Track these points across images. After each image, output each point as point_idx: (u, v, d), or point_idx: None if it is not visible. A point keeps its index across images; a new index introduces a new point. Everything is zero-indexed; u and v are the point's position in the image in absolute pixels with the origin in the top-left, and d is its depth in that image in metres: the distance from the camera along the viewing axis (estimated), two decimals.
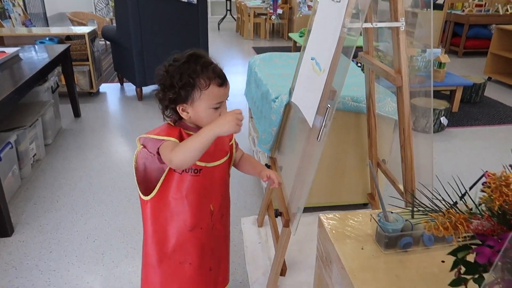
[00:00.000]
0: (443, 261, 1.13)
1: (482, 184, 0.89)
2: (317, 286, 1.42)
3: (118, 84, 4.38)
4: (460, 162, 2.82)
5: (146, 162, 1.16)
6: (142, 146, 1.15)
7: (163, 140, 1.07)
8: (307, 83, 1.50)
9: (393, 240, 1.15)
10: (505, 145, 3.15)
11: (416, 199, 0.99)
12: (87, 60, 3.81)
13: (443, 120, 3.30)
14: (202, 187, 1.16)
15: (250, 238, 2.00)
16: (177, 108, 1.09)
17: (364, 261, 1.12)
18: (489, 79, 4.74)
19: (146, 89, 4.04)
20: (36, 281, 1.72)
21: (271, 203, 1.98)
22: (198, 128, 1.11)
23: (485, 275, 0.77)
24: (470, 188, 1.05)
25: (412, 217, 1.03)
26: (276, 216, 1.69)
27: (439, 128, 3.33)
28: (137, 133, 3.22)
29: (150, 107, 3.75)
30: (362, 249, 1.17)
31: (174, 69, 1.06)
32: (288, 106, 1.80)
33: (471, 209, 0.85)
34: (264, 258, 1.87)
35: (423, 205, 0.94)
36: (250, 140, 2.75)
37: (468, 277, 0.78)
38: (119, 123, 3.46)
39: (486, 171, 0.89)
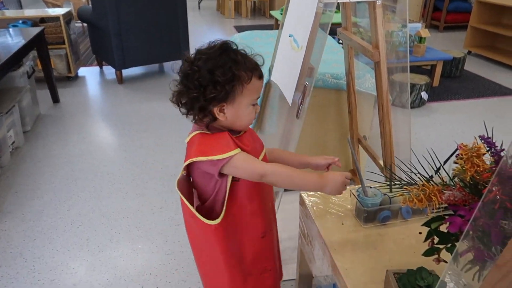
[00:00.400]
0: (420, 233, 1.16)
1: (456, 156, 0.91)
2: (301, 262, 1.45)
3: (97, 68, 4.28)
4: (440, 136, 2.87)
5: (203, 185, 1.02)
6: (183, 171, 1.01)
7: (226, 158, 0.91)
8: (286, 60, 1.49)
9: (372, 214, 1.17)
10: (484, 118, 3.21)
11: (393, 173, 1.00)
12: (63, 43, 3.69)
13: (424, 95, 3.33)
14: (260, 187, 1.04)
15: None
16: (214, 109, 0.92)
17: (344, 236, 1.14)
18: (469, 53, 4.78)
19: (126, 72, 3.96)
20: (20, 269, 1.71)
21: None
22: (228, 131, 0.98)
23: (457, 244, 0.79)
24: (445, 161, 1.07)
25: (391, 191, 1.05)
26: None
27: (420, 103, 3.37)
28: (119, 117, 3.21)
29: (131, 91, 3.69)
30: (342, 224, 1.19)
31: (209, 63, 0.90)
32: (268, 84, 1.79)
33: (445, 182, 0.87)
34: None
35: (400, 179, 0.95)
36: None
37: (441, 246, 0.80)
38: (100, 107, 3.40)
39: (460, 144, 0.91)
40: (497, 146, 0.73)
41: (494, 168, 0.75)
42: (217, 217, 0.98)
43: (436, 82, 3.80)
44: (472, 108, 3.40)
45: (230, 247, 1.03)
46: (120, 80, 3.84)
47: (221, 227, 0.99)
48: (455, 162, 0.86)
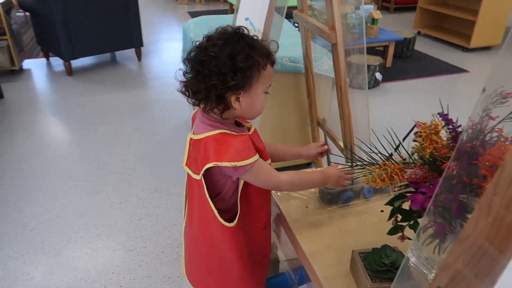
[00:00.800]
0: (382, 211, 1.18)
1: (414, 134, 0.92)
2: None
3: (44, 59, 4.03)
4: (395, 115, 2.96)
5: (215, 182, 0.97)
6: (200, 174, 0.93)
7: (249, 164, 0.88)
8: None
9: (335, 196, 1.18)
10: (435, 95, 3.34)
11: (355, 154, 1.01)
12: (4, 34, 3.43)
13: (378, 75, 3.41)
14: None
15: None
16: (232, 97, 0.88)
17: (309, 219, 1.14)
18: (419, 33, 4.93)
19: (76, 63, 3.76)
20: None
21: None
22: (236, 124, 0.98)
23: (419, 220, 0.81)
24: (404, 139, 1.09)
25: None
26: None
27: (374, 83, 3.44)
28: (70, 111, 3.05)
29: (81, 82, 3.50)
30: (307, 207, 1.19)
31: (227, 49, 0.85)
32: None
33: (405, 159, 0.88)
34: None
35: (361, 160, 0.96)
36: (191, 109, 2.67)
37: (404, 224, 0.81)
38: (49, 101, 3.21)
39: (418, 122, 0.92)
40: (454, 123, 0.74)
41: (451, 144, 0.76)
42: (226, 210, 0.98)
43: (389, 63, 3.91)
44: (423, 86, 3.52)
45: (242, 241, 1.03)
46: (70, 71, 3.63)
47: (237, 227, 1.00)
48: (414, 140, 0.87)
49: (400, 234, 0.81)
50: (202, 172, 0.90)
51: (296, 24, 3.27)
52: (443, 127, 0.76)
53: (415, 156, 0.87)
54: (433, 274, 0.92)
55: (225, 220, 0.97)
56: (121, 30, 3.69)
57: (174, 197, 2.06)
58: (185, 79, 0.92)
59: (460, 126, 0.74)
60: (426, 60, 4.16)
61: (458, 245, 0.62)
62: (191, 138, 0.95)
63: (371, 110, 3.00)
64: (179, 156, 2.41)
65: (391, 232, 0.81)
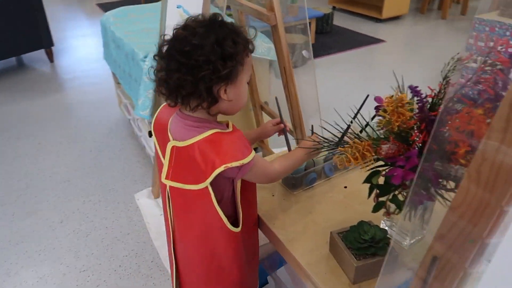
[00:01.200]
0: (345, 187, 1.20)
1: (375, 109, 0.93)
2: None
3: None
4: (328, 89, 3.04)
5: (226, 191, 0.91)
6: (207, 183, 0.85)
7: (251, 161, 0.83)
8: None
9: (299, 180, 1.17)
10: (359, 66, 3.49)
11: (318, 135, 1.00)
12: None
13: (305, 53, 3.47)
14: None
15: (150, 212, 1.87)
16: (221, 90, 0.81)
17: (278, 207, 1.12)
18: (334, 8, 5.11)
19: None
20: None
21: None
22: (218, 121, 0.90)
23: (396, 193, 0.82)
24: (356, 115, 1.10)
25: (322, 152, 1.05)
26: None
27: (302, 61, 3.50)
28: None
29: None
30: (273, 196, 1.17)
31: (212, 36, 0.78)
32: None
33: (371, 136, 0.89)
34: None
35: (327, 140, 0.95)
36: (122, 108, 2.50)
37: (384, 199, 0.82)
38: None
39: (376, 96, 0.93)
40: (422, 93, 0.75)
41: (418, 115, 0.78)
42: (228, 216, 0.92)
43: (312, 40, 3.99)
44: (347, 59, 3.66)
45: (243, 245, 0.99)
46: None
47: (242, 231, 0.96)
48: (378, 115, 0.88)
49: (384, 210, 0.82)
50: (209, 180, 0.81)
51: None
52: (411, 100, 0.77)
53: (382, 131, 0.88)
54: (407, 241, 0.96)
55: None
56: (26, 29, 3.30)
57: (121, 205, 1.92)
58: (159, 77, 0.82)
59: (426, 96, 0.76)
60: (345, 33, 4.32)
61: (451, 214, 0.63)
62: (174, 146, 0.86)
63: (303, 89, 3.06)
64: (117, 160, 2.25)
65: (375, 209, 0.82)
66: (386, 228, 0.99)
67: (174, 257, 1.02)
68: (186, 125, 0.84)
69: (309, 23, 3.93)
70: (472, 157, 0.69)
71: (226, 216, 0.90)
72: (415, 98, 0.75)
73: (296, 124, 1.57)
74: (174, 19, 1.40)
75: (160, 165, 0.93)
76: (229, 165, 0.79)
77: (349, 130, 1.05)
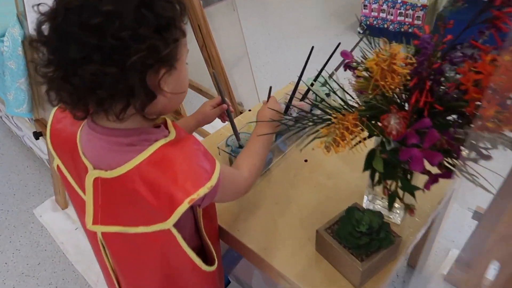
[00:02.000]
0: (305, 160, 1.02)
1: (344, 67, 0.73)
2: None
3: None
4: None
5: (187, 223, 0.66)
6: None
7: (218, 179, 0.57)
8: None
9: None
10: (265, 12, 3.26)
11: (301, 108, 0.78)
12: None
13: None
14: None
15: (60, 229, 1.51)
16: (161, 79, 0.52)
17: (237, 208, 0.89)
18: None
19: None
20: None
21: None
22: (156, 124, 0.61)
23: (402, 173, 0.65)
24: (337, 69, 0.90)
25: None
26: None
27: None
28: None
29: None
30: None
31: (143, 7, 0.48)
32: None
33: (352, 107, 0.69)
34: None
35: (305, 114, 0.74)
36: None
37: (398, 189, 0.64)
38: None
39: (344, 50, 0.73)
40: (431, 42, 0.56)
41: (417, 70, 0.59)
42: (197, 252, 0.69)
43: None
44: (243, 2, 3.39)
45: (220, 280, 0.81)
46: None
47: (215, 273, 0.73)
48: (357, 76, 0.68)
49: (403, 201, 0.64)
50: (172, 222, 0.54)
51: None
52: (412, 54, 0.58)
53: (362, 98, 0.69)
54: (400, 215, 0.82)
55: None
56: None
57: (19, 229, 1.52)
58: (48, 76, 0.50)
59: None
60: None
61: None
62: (98, 178, 0.56)
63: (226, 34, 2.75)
64: None
65: (390, 205, 0.64)
66: (368, 202, 0.84)
67: None
68: (112, 143, 0.55)
69: None
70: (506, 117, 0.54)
71: (191, 248, 0.64)
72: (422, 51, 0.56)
73: (225, 92, 1.32)
74: None
75: (75, 197, 0.63)
76: (195, 196, 0.53)
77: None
